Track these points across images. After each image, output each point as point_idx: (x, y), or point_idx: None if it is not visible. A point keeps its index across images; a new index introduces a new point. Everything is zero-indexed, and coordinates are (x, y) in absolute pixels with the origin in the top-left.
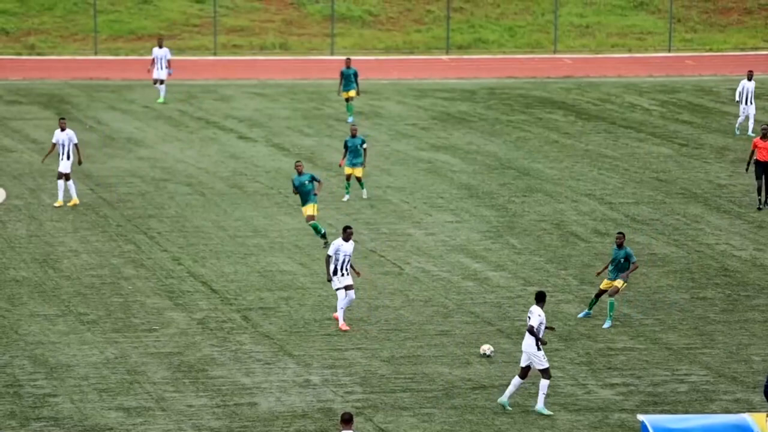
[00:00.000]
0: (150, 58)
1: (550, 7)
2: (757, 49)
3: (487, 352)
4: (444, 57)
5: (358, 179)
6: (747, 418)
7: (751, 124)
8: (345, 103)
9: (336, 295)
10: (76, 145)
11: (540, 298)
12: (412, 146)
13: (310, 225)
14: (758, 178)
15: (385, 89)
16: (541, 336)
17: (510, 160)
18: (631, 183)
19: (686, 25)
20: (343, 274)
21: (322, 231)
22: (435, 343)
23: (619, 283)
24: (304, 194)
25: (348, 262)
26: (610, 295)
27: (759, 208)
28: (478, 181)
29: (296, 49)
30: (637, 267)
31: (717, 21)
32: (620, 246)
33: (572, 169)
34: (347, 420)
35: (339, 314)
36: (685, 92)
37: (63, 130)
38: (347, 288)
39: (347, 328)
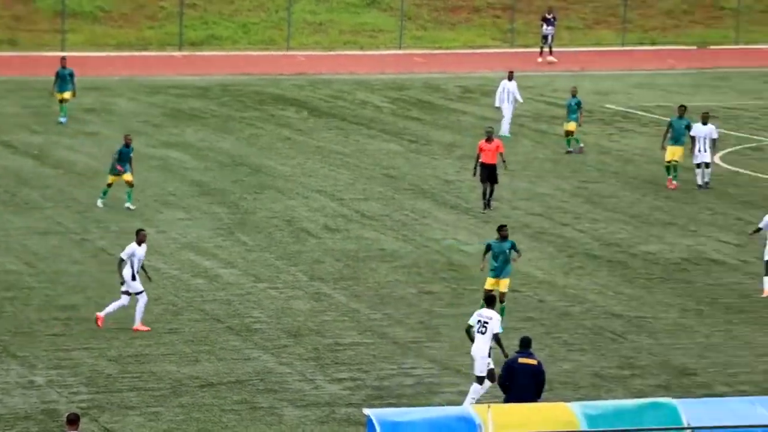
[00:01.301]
0: None
1: (284, 4)
2: (486, 47)
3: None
4: (177, 53)
5: (129, 183)
6: (469, 409)
7: (506, 125)
8: (59, 103)
9: (121, 296)
10: None
11: (491, 301)
12: (144, 143)
13: None
14: (483, 181)
15: (116, 86)
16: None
17: (242, 157)
18: (362, 179)
19: (417, 23)
20: (136, 278)
21: None
22: (164, 342)
23: None
24: None
25: (141, 265)
26: None
27: (483, 212)
28: (210, 178)
29: (25, 45)
30: None
31: (447, 19)
32: None
33: (304, 165)
34: (72, 421)
35: (108, 310)
36: (415, 89)
37: None
38: (138, 293)
39: (147, 328)
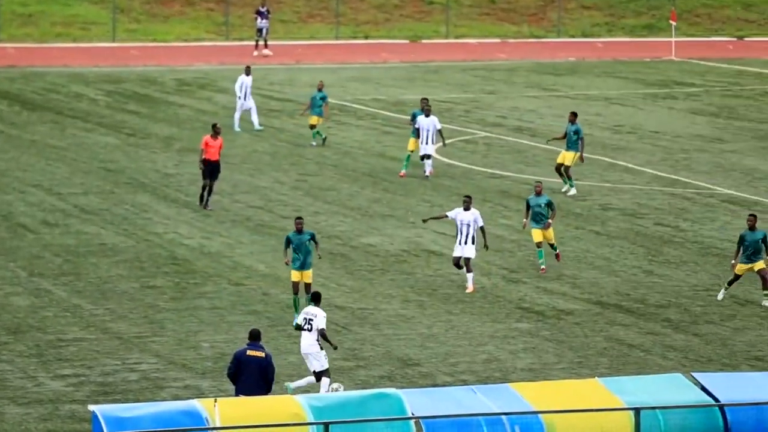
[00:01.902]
0: None
1: None
2: (200, 39)
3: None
4: None
5: None
6: (196, 404)
7: (255, 117)
8: None
9: None
10: None
11: (317, 298)
12: None
13: None
14: (205, 177)
15: None
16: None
17: None
18: (79, 173)
19: (130, 16)
20: None
21: None
22: None
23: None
24: None
25: None
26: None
27: (204, 207)
28: None
29: None
30: None
31: (160, 12)
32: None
33: (19, 159)
34: None
35: None
36: (131, 82)
37: None
38: None
39: None
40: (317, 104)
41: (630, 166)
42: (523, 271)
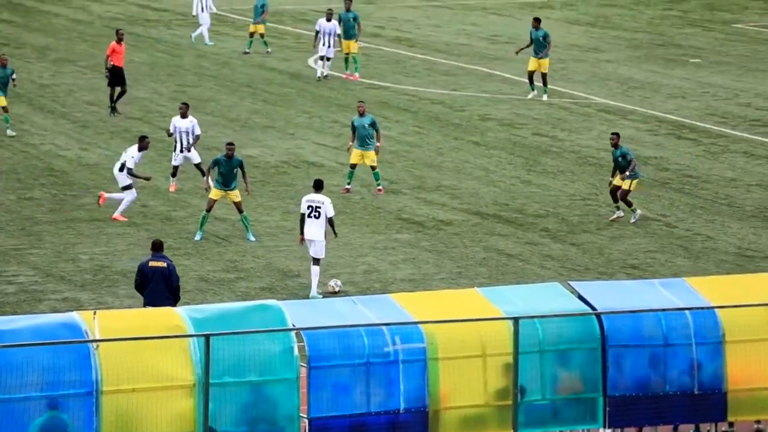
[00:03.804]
0: None
1: None
2: None
3: (336, 288)
4: None
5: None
6: (75, 316)
7: (206, 32)
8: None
9: None
10: None
11: (320, 185)
12: None
13: None
14: (111, 84)
15: None
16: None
17: None
18: None
19: None
20: None
21: None
22: None
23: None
24: None
25: None
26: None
27: (111, 115)
28: None
29: None
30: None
31: None
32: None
33: None
34: None
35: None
36: None
37: None
38: None
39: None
40: (258, 12)
41: (507, 76)
42: (403, 182)
